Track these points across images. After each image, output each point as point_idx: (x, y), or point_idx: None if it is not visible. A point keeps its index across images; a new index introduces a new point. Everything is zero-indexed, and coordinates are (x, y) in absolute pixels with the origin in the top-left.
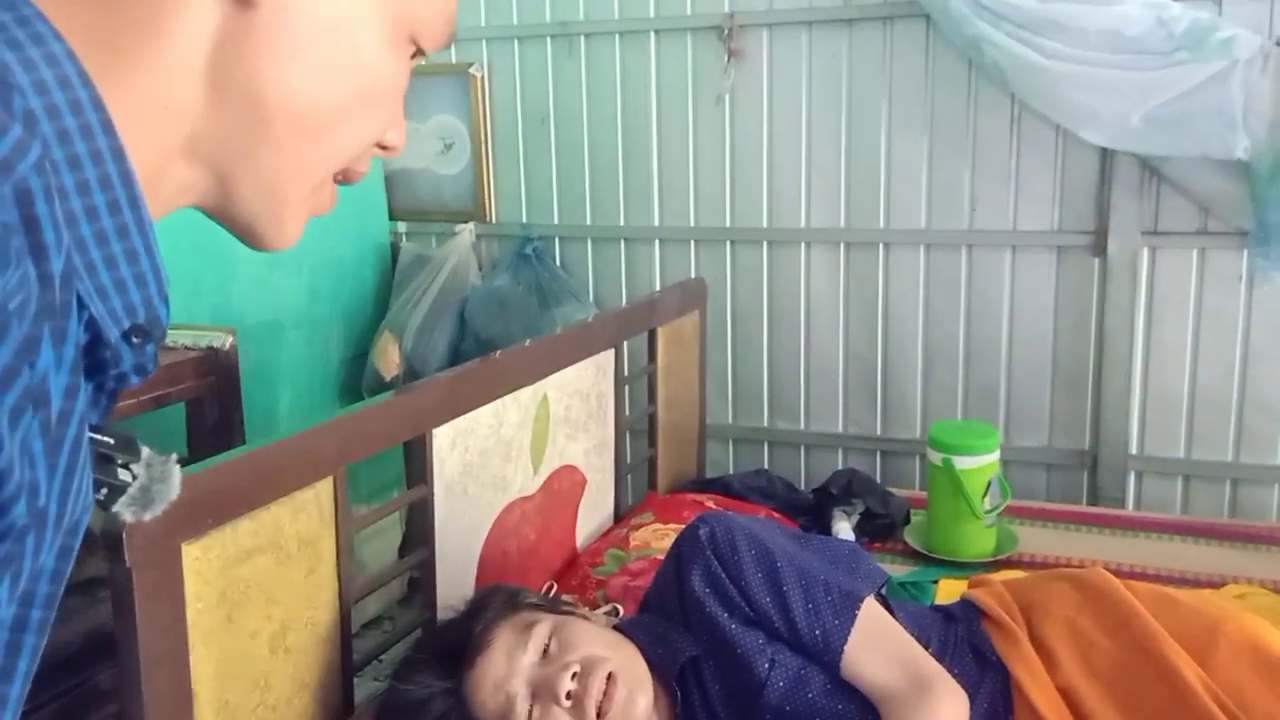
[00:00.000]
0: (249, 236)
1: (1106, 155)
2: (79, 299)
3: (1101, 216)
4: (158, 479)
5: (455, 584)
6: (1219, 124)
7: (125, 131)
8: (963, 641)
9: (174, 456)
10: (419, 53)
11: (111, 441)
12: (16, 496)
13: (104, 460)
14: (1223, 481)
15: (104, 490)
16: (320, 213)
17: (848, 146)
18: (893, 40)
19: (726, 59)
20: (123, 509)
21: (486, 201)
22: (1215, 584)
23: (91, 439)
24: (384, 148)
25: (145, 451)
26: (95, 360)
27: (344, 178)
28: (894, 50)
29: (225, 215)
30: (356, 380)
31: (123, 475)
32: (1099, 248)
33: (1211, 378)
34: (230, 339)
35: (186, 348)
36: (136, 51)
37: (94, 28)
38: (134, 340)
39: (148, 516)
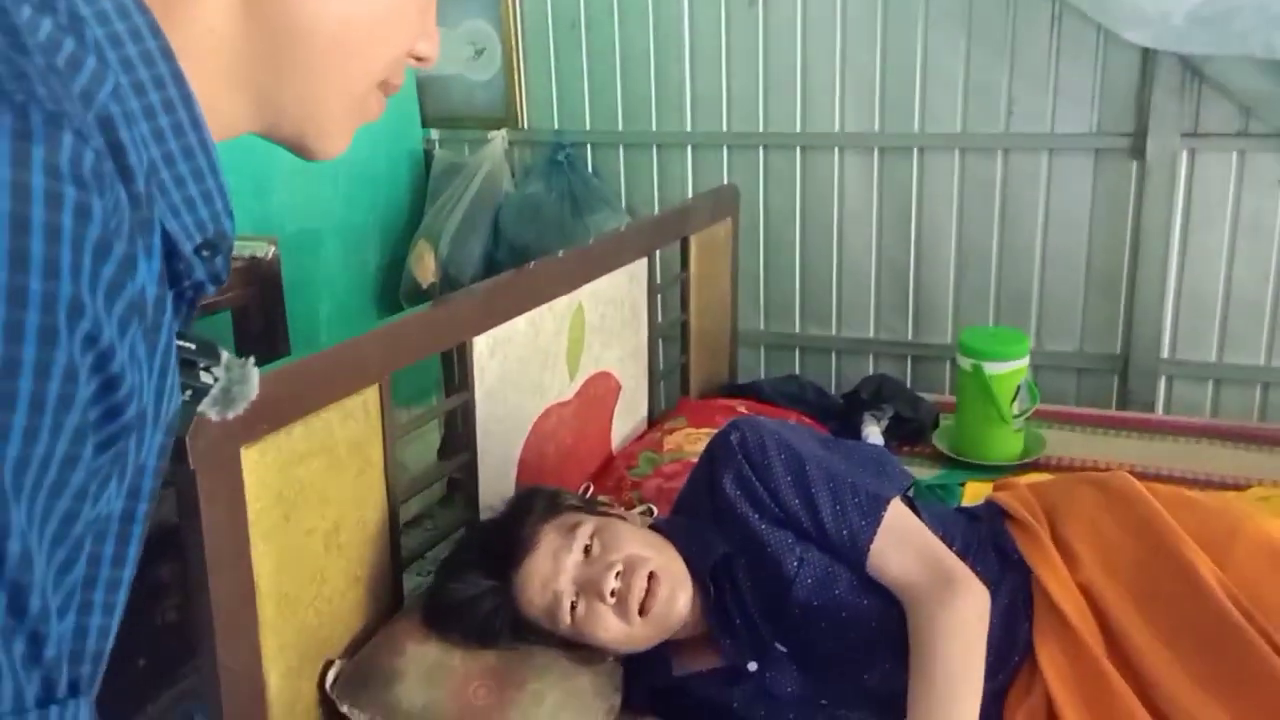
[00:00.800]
0: (300, 150)
1: (1148, 55)
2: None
3: (1141, 118)
4: (237, 380)
5: (495, 486)
6: (1263, 21)
7: (178, 58)
8: (986, 541)
9: (251, 360)
10: None
11: (194, 347)
12: (130, 398)
13: (188, 365)
14: (1254, 385)
15: (189, 391)
16: (370, 120)
17: (883, 49)
18: None
19: None
20: (207, 408)
21: (518, 108)
22: (1240, 487)
23: (177, 345)
24: (419, 59)
25: (225, 355)
26: (173, 272)
27: (382, 89)
28: None
29: (275, 134)
30: (394, 288)
31: (205, 378)
32: (1137, 150)
33: (1247, 281)
34: (273, 249)
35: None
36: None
37: None
38: (205, 253)
39: (230, 415)
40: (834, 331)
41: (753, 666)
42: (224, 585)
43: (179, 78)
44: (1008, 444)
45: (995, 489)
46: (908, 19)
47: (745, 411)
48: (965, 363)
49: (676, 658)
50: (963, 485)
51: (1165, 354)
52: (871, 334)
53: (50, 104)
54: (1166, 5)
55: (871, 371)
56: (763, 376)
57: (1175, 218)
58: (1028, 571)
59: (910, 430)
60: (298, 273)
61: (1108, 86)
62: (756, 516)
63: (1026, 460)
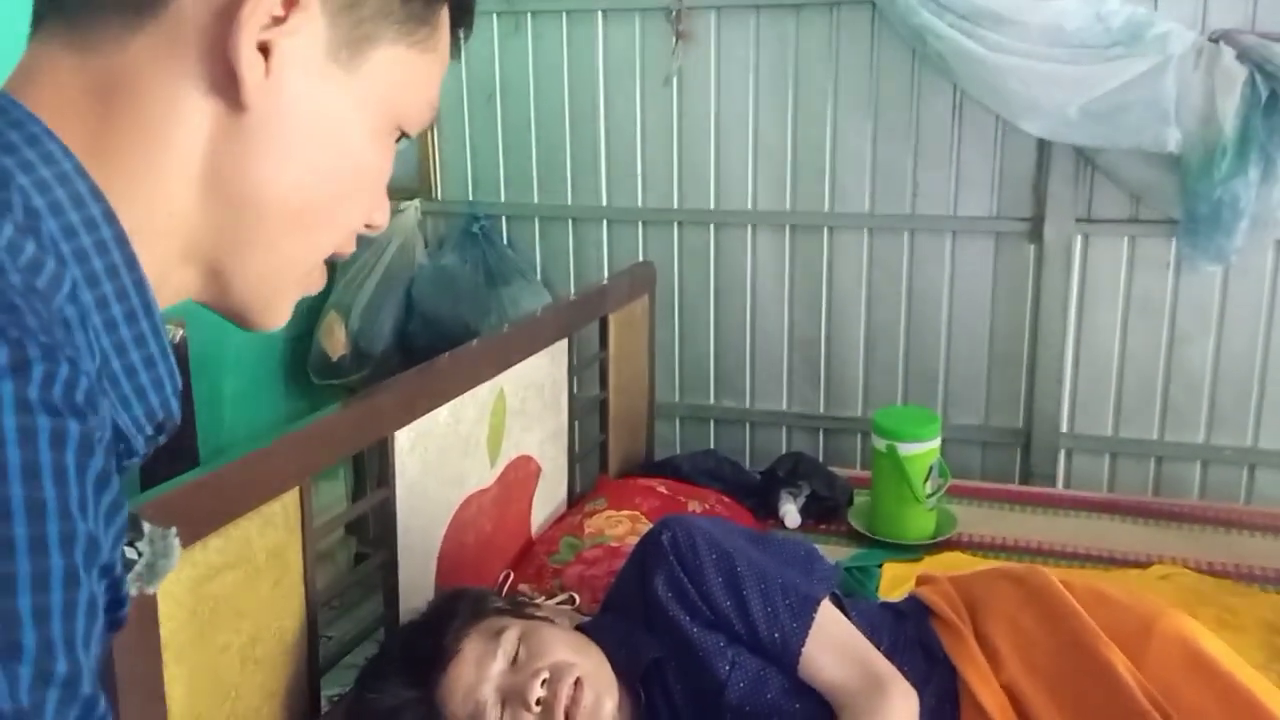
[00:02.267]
0: (240, 321)
1: (1044, 145)
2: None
3: (1038, 204)
4: (160, 554)
5: (415, 579)
6: (1153, 117)
7: (132, 241)
8: (913, 639)
9: (174, 531)
10: (403, 135)
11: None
12: (105, 577)
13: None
14: (1147, 459)
15: (117, 569)
16: (312, 292)
17: (794, 130)
18: (839, 26)
19: (675, 41)
20: (130, 585)
21: (432, 178)
22: (1142, 564)
23: None
24: (370, 226)
25: (147, 528)
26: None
27: (333, 257)
28: (840, 36)
29: (218, 305)
30: (302, 361)
31: (129, 553)
32: (1035, 234)
33: (1139, 358)
34: (180, 332)
35: None
36: (138, 163)
37: (96, 140)
38: (148, 435)
39: (150, 590)
40: (748, 404)
41: None
42: (135, 713)
43: (132, 263)
44: (921, 523)
45: (918, 583)
46: (818, 103)
47: (665, 491)
48: (880, 443)
49: None
50: (880, 566)
51: (1065, 428)
52: (785, 406)
53: (44, 335)
54: (1061, 99)
55: (784, 443)
56: (678, 449)
57: (1071, 298)
58: (953, 670)
59: (826, 508)
60: (203, 348)
61: (1007, 173)
62: (688, 619)
63: (939, 539)
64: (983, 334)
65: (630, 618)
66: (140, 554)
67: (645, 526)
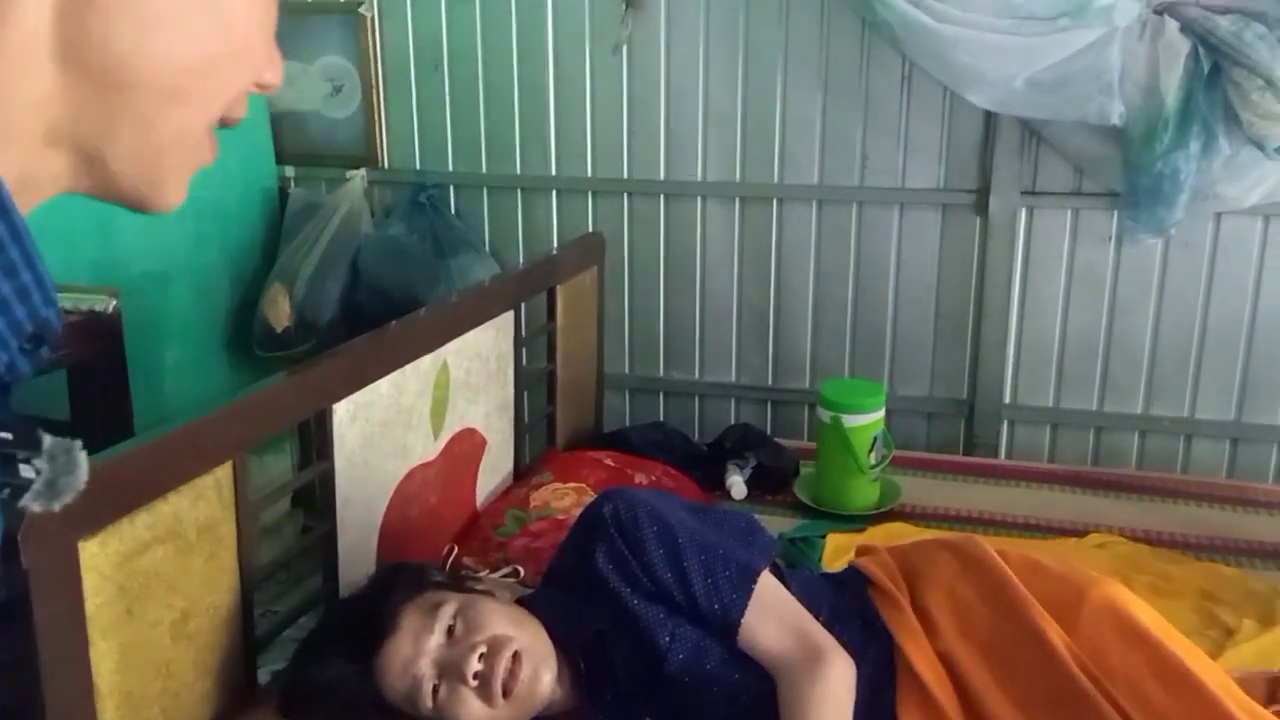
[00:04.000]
0: (133, 205)
1: (991, 117)
2: None
3: (984, 176)
4: (63, 470)
5: (356, 552)
6: (1097, 89)
7: None
8: (851, 609)
9: (78, 444)
10: None
11: (9, 437)
12: None
13: (4, 459)
14: (1087, 430)
15: (5, 490)
16: (206, 164)
17: (744, 100)
18: None
19: (624, 8)
20: (30, 503)
21: (379, 146)
22: (1080, 532)
23: None
24: (262, 86)
25: (47, 441)
26: None
27: (222, 123)
28: (791, 4)
29: (104, 191)
30: (246, 332)
31: (25, 471)
32: (981, 206)
33: (1081, 330)
34: (113, 302)
35: (66, 311)
36: None
37: None
38: (26, 347)
39: (57, 506)
40: (697, 376)
41: None
42: (60, 689)
43: None
44: (865, 493)
45: (858, 553)
46: (767, 72)
47: (612, 464)
48: (825, 415)
49: None
50: (824, 537)
51: (1007, 399)
52: (733, 379)
53: None
54: (1007, 71)
55: (733, 414)
56: (628, 421)
57: (1016, 269)
58: (890, 640)
59: (772, 480)
60: (142, 317)
61: (954, 144)
62: (629, 590)
63: (883, 509)
64: (929, 306)
65: (572, 590)
66: (39, 471)
67: (591, 499)
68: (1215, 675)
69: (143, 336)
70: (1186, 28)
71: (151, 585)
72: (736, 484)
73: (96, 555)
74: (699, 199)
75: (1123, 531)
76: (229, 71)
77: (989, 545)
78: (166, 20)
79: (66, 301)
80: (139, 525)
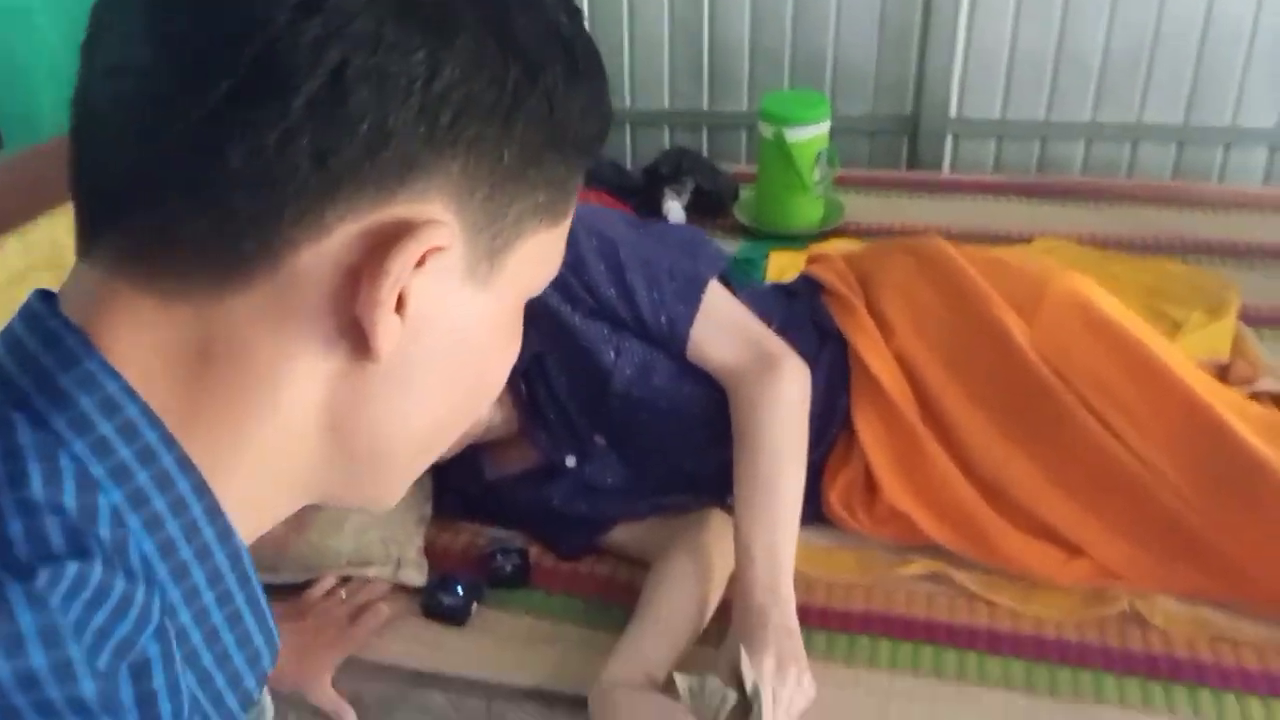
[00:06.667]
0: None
1: None
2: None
3: None
4: None
5: None
6: None
7: (239, 511)
8: (803, 317)
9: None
10: None
11: None
12: None
13: None
14: (1033, 140)
15: None
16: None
17: None
18: None
19: None
20: None
21: None
22: (1026, 240)
23: None
24: None
25: None
26: None
27: None
28: None
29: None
30: None
31: None
32: None
33: (1031, 37)
34: None
35: None
36: (241, 429)
37: (190, 403)
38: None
39: None
40: (628, 104)
41: (571, 462)
42: None
43: (236, 560)
44: (808, 211)
45: (809, 262)
46: None
47: None
48: (766, 130)
49: (490, 461)
50: (766, 257)
51: (953, 113)
52: (667, 104)
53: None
54: None
55: (667, 142)
56: None
57: None
58: (845, 344)
59: (711, 204)
60: (5, 59)
61: None
62: (569, 309)
63: (827, 228)
64: (873, 15)
65: None
66: None
67: None
68: (1179, 360)
69: (10, 83)
70: None
71: None
72: (674, 210)
73: None
74: None
75: (1070, 237)
76: (477, 412)
77: (948, 244)
78: (437, 391)
79: None
80: (10, 252)
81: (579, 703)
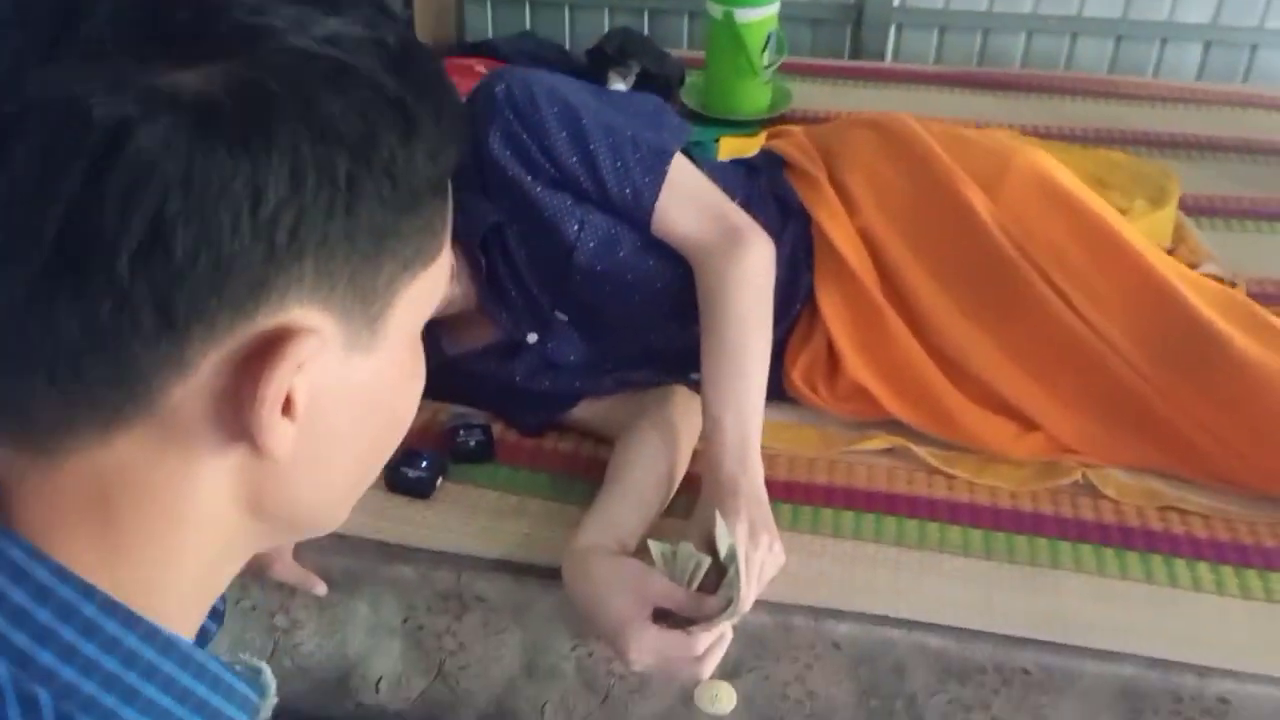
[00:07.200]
0: None
1: None
2: None
3: None
4: None
5: None
6: None
7: (194, 596)
8: (766, 192)
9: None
10: None
11: None
12: None
13: None
14: (975, 32)
15: None
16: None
17: None
18: None
19: None
20: None
21: None
22: None
23: None
24: None
25: None
26: None
27: None
28: None
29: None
30: None
31: None
32: None
33: None
34: None
35: None
36: (157, 548)
37: (102, 543)
38: None
39: None
40: None
41: (532, 338)
42: None
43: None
44: (757, 97)
45: (770, 137)
46: None
47: (484, 71)
48: (716, 10)
49: (448, 336)
50: (717, 141)
51: (897, 2)
52: None
53: None
54: None
55: (607, 25)
56: (490, 34)
57: None
58: (808, 220)
59: (657, 87)
60: None
61: None
62: (530, 178)
63: (774, 114)
64: None
65: (464, 182)
66: None
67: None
68: (1135, 235)
69: None
70: None
71: None
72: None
73: None
74: None
75: (1010, 127)
76: (394, 445)
77: (912, 120)
78: (345, 453)
79: None
80: None
81: (549, 573)
